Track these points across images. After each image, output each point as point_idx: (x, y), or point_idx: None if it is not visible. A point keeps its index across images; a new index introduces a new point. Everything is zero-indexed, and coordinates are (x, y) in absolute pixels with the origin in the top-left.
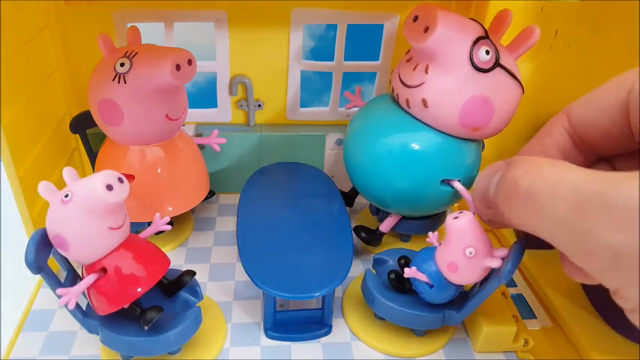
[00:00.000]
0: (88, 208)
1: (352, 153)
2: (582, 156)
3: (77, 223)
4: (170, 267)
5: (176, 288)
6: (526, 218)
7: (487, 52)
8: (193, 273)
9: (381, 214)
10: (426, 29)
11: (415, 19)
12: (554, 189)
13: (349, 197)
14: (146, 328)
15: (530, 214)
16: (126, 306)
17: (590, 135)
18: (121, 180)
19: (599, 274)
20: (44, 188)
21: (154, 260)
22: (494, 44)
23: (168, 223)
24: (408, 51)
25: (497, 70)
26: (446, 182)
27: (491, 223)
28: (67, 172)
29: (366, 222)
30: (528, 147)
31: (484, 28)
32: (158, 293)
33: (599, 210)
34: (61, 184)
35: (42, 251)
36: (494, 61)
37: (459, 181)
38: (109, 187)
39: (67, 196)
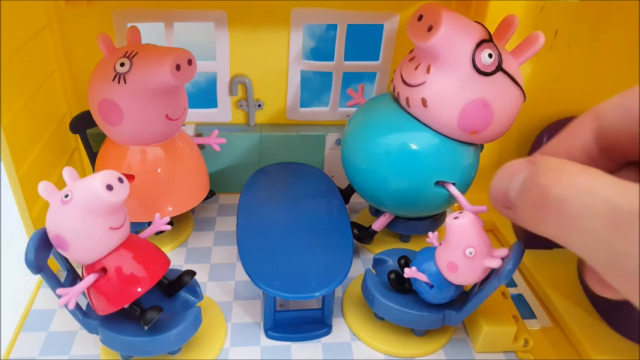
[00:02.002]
0: (88, 208)
1: (350, 152)
2: (609, 160)
3: (77, 223)
4: (170, 267)
5: (176, 288)
6: (555, 230)
7: (490, 56)
8: (193, 273)
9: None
10: (430, 28)
11: (420, 18)
12: (588, 201)
13: (345, 195)
14: (146, 328)
15: (561, 225)
16: (126, 306)
17: (619, 140)
18: (121, 180)
19: (634, 297)
20: (44, 188)
21: (154, 260)
22: (497, 48)
23: (169, 223)
24: (412, 50)
25: (499, 74)
26: (440, 184)
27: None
28: (67, 172)
29: (366, 223)
30: (551, 147)
31: (488, 32)
32: (158, 293)
33: (638, 230)
34: (61, 184)
35: (42, 251)
36: (496, 64)
37: (453, 184)
38: (109, 187)
39: (67, 196)
